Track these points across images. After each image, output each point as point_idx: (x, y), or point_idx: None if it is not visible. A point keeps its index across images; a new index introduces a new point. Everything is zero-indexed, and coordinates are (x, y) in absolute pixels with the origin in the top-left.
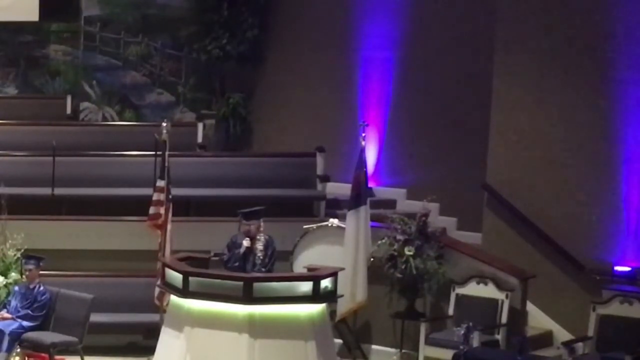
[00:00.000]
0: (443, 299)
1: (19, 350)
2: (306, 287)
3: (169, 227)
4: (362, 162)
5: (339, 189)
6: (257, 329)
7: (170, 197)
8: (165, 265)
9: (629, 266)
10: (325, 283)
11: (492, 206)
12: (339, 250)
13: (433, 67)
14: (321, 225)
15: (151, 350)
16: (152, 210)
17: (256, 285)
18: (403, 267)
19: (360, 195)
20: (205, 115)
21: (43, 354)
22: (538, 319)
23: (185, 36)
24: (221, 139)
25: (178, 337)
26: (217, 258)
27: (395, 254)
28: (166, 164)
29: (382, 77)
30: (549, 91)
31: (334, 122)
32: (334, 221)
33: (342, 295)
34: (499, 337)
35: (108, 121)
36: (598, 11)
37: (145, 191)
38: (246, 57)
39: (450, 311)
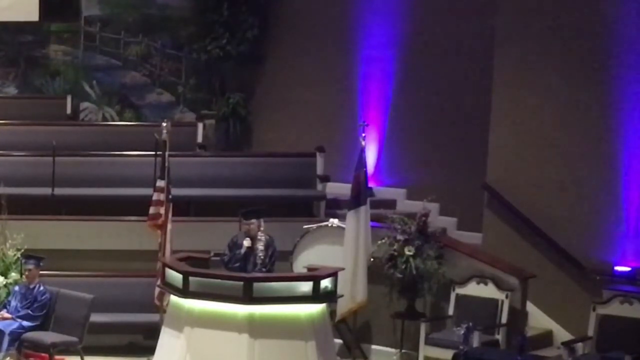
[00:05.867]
0: (443, 299)
1: (12, 350)
2: (306, 287)
3: (169, 227)
4: (362, 162)
5: (339, 189)
6: (257, 329)
7: (170, 197)
8: (165, 265)
9: (629, 266)
10: (325, 283)
11: (492, 206)
12: (339, 250)
13: (433, 67)
14: (321, 225)
15: (151, 350)
16: (152, 210)
17: (256, 285)
18: (403, 267)
19: (360, 195)
20: (205, 115)
21: (43, 354)
22: (538, 319)
23: (185, 36)
24: (221, 139)
25: (178, 337)
26: (217, 258)
27: (395, 254)
28: (166, 164)
29: (382, 77)
30: (549, 91)
31: (334, 122)
32: (334, 221)
33: (342, 295)
34: (499, 337)
35: (108, 121)
36: (599, 11)
37: (145, 191)
38: (246, 57)
39: (450, 311)
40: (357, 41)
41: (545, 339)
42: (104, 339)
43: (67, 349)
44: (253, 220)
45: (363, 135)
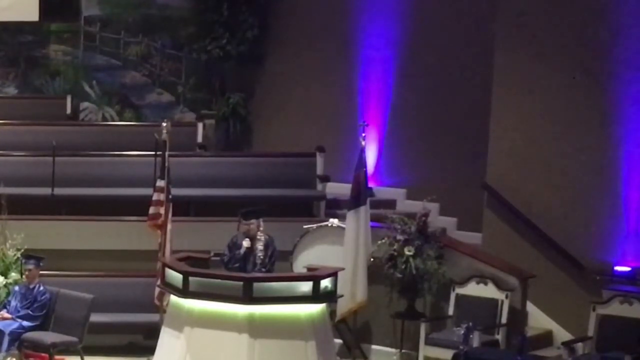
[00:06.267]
0: (443, 299)
1: (15, 350)
2: (306, 287)
3: (169, 227)
4: (362, 162)
5: (339, 189)
6: (257, 329)
7: (170, 197)
8: (165, 265)
9: (629, 266)
10: (325, 283)
11: (492, 206)
12: (339, 250)
13: (433, 67)
14: (321, 225)
15: (151, 350)
16: (152, 210)
17: (256, 285)
18: (403, 267)
19: (360, 195)
20: (205, 115)
21: (43, 354)
22: (538, 319)
23: (185, 36)
24: (221, 139)
25: (178, 337)
26: (217, 258)
27: (395, 254)
28: (166, 164)
29: (382, 77)
30: (548, 91)
31: (334, 122)
32: (334, 221)
33: (342, 295)
34: (499, 337)
35: (108, 121)
36: (598, 10)
37: (145, 191)
38: (246, 57)
39: (450, 311)
40: (357, 41)
41: (545, 339)
42: (104, 339)
43: (67, 349)
44: (253, 221)
45: (363, 135)
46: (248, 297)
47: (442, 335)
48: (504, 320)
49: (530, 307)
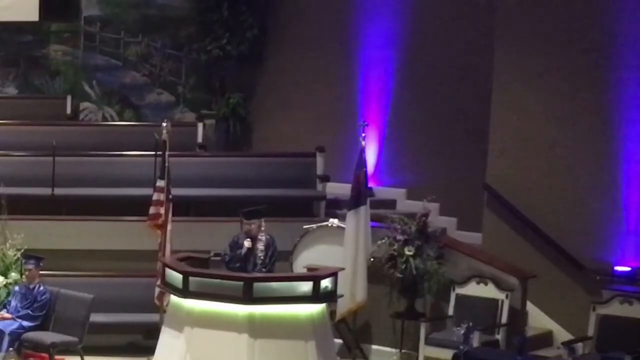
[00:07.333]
0: (443, 299)
1: (11, 351)
2: (306, 287)
3: (169, 227)
4: (362, 162)
5: (339, 189)
6: (257, 329)
7: (170, 197)
8: (165, 265)
9: (629, 266)
10: (325, 283)
11: (492, 206)
12: (339, 250)
13: (433, 67)
14: (321, 225)
15: (151, 350)
16: (152, 210)
17: (256, 285)
18: (403, 267)
19: (360, 195)
20: (205, 115)
21: (43, 354)
22: (538, 319)
23: (185, 36)
24: (221, 139)
25: (178, 337)
26: (217, 258)
27: (395, 254)
28: (166, 164)
29: (382, 77)
30: (549, 91)
31: (334, 122)
32: (334, 221)
33: (342, 295)
34: (499, 337)
35: (108, 121)
36: (598, 11)
37: (145, 191)
38: (246, 57)
39: (450, 311)
40: (357, 41)
41: (545, 339)
42: (104, 339)
43: (67, 349)
44: (254, 221)
45: (363, 135)
46: (248, 297)
47: (442, 335)
48: (504, 320)
49: (530, 307)
